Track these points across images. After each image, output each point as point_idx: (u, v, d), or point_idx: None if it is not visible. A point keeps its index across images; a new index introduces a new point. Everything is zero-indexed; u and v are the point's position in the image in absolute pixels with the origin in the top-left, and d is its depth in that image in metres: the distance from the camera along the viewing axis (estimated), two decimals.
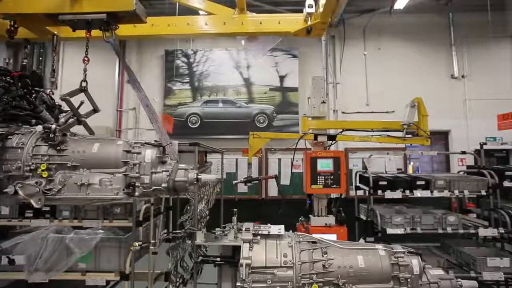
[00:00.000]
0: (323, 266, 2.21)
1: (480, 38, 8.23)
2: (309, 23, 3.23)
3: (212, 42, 8.45)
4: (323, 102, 4.66)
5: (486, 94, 8.04)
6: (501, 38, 8.20)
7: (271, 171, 7.87)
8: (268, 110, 8.25)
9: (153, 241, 3.42)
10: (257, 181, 4.69)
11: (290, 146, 4.58)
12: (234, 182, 4.53)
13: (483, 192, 4.50)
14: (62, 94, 2.21)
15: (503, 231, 4.30)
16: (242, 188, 6.97)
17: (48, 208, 3.94)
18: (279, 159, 8.01)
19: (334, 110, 8.20)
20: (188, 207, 3.26)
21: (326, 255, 2.26)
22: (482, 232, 4.30)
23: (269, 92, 8.34)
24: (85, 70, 2.35)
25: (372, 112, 8.09)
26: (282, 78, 8.33)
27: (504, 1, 7.92)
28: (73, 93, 2.34)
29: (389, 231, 4.29)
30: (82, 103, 2.43)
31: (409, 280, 2.18)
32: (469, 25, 8.26)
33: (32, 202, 1.89)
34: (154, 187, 2.00)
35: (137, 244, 3.20)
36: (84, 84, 2.36)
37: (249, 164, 4.50)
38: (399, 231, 4.29)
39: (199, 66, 8.49)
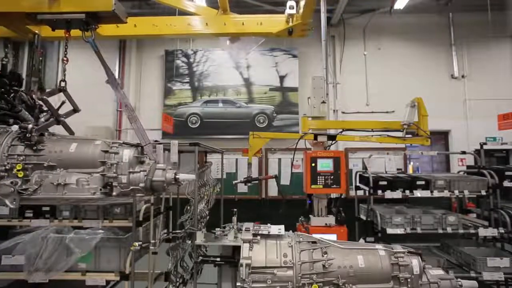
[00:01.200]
0: (323, 266, 2.21)
1: (480, 38, 8.23)
2: (290, 24, 3.25)
3: (212, 42, 8.45)
4: (323, 102, 4.67)
5: (486, 94, 8.04)
6: (501, 38, 8.20)
7: (271, 171, 7.87)
8: (268, 110, 8.25)
9: (153, 241, 3.42)
10: (257, 181, 4.69)
11: (290, 146, 4.58)
12: (234, 182, 4.54)
13: (483, 192, 4.50)
14: (39, 94, 2.21)
15: (503, 231, 4.30)
16: (242, 188, 6.97)
17: (48, 208, 3.94)
18: (279, 159, 8.01)
19: (334, 110, 8.20)
20: (188, 207, 3.26)
21: (326, 255, 2.26)
22: (482, 232, 4.30)
23: (269, 92, 8.34)
24: (64, 70, 2.34)
25: (372, 112, 8.09)
26: (282, 78, 8.33)
27: (504, 1, 7.92)
28: (51, 93, 2.34)
29: (389, 231, 4.28)
30: (63, 103, 2.43)
31: (409, 280, 2.18)
32: (469, 25, 8.26)
33: (7, 202, 1.89)
34: (131, 187, 2.01)
35: (137, 244, 3.20)
36: (63, 84, 2.35)
37: (249, 164, 4.50)
38: (399, 231, 4.29)
39: (199, 66, 8.48)
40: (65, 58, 2.36)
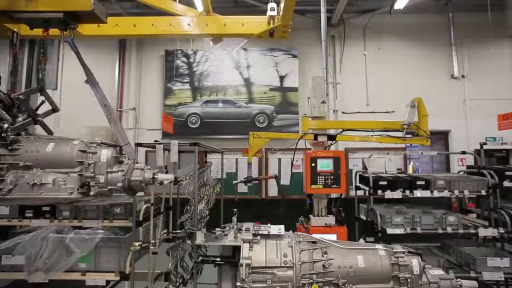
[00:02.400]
0: (323, 266, 2.21)
1: (480, 38, 8.23)
2: (271, 25, 3.28)
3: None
4: (323, 102, 4.66)
5: (486, 94, 8.04)
6: (501, 38, 8.20)
7: (271, 171, 7.87)
8: (268, 110, 8.25)
9: (153, 241, 3.42)
10: (257, 181, 4.69)
11: (290, 146, 4.58)
12: (234, 182, 4.54)
13: (483, 192, 4.50)
14: (16, 93, 2.20)
15: (503, 231, 4.30)
16: (242, 188, 6.98)
17: (48, 208, 3.94)
18: (279, 159, 8.00)
19: (334, 110, 8.20)
20: (188, 207, 3.26)
21: (326, 255, 2.26)
22: (482, 232, 4.30)
23: (269, 92, 8.34)
24: (43, 70, 2.34)
25: (372, 112, 8.09)
26: (282, 78, 8.33)
27: (504, 1, 7.92)
28: (29, 92, 2.34)
29: (389, 231, 4.28)
30: (42, 102, 2.42)
31: (409, 280, 2.18)
32: (469, 25, 8.26)
33: None
34: (109, 187, 2.02)
35: (137, 244, 3.20)
36: (42, 83, 2.34)
37: (249, 164, 4.50)
38: (399, 231, 4.29)
39: (199, 66, 8.48)
40: (42, 57, 2.36)
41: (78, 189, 1.99)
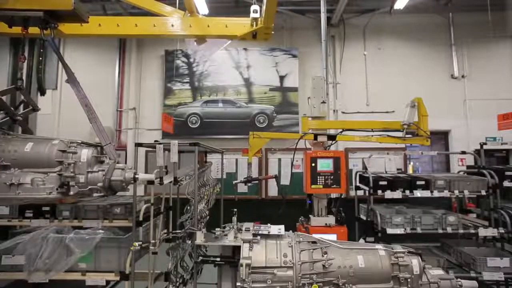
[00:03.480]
0: (323, 266, 2.21)
1: (480, 38, 8.23)
2: (254, 27, 3.32)
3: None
4: (323, 102, 4.66)
5: (486, 94, 8.04)
6: (501, 38, 8.20)
7: (271, 171, 7.87)
8: (268, 110, 8.25)
9: (153, 241, 3.41)
10: (257, 181, 4.69)
11: (290, 146, 4.58)
12: (234, 182, 4.54)
13: (483, 192, 4.50)
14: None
15: (503, 231, 4.30)
16: (242, 188, 6.96)
17: (48, 208, 3.94)
18: (279, 159, 8.01)
19: (334, 110, 8.20)
20: (188, 207, 3.26)
21: (326, 255, 2.26)
22: (482, 232, 4.30)
23: (269, 92, 8.34)
24: (21, 69, 2.32)
25: (372, 112, 8.09)
26: (282, 78, 8.33)
27: (504, 1, 7.91)
28: (5, 92, 2.32)
29: (389, 231, 4.28)
30: (21, 102, 2.41)
31: (409, 280, 2.19)
32: (469, 25, 8.26)
33: None
34: (90, 187, 2.02)
35: (137, 244, 3.20)
36: (19, 82, 2.33)
37: (249, 164, 4.50)
38: (399, 231, 4.29)
39: (199, 66, 8.48)
40: (21, 56, 2.34)
41: (57, 189, 1.98)
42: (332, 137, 4.40)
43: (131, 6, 7.92)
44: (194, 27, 3.40)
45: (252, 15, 3.20)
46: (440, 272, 2.32)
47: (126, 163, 8.25)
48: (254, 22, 3.28)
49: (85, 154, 2.05)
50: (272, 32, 3.37)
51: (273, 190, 7.89)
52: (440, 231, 4.32)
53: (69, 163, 2.01)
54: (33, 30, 2.27)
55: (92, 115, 2.30)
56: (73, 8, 2.12)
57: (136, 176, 2.08)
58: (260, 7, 3.19)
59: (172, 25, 3.39)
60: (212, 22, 3.43)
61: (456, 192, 4.48)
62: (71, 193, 2.00)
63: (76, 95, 2.34)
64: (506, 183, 4.62)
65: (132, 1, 3.52)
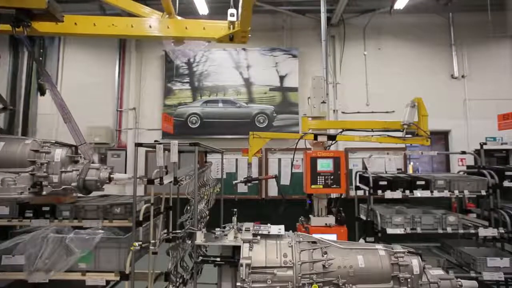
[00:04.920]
0: (323, 266, 2.21)
1: (480, 38, 8.23)
2: (231, 30, 3.36)
3: (212, 42, 8.46)
4: (323, 102, 4.67)
5: (486, 94, 8.04)
6: (501, 38, 8.20)
7: (271, 171, 7.88)
8: (268, 110, 8.25)
9: (153, 241, 3.41)
10: (257, 181, 4.69)
11: (290, 146, 4.58)
12: (234, 182, 4.54)
13: (483, 192, 4.50)
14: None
15: (503, 231, 4.30)
16: (242, 188, 6.96)
17: (48, 208, 3.93)
18: (279, 159, 8.01)
19: (334, 110, 8.21)
20: (188, 207, 3.26)
21: (326, 255, 2.26)
22: (482, 232, 4.30)
23: (269, 92, 8.34)
24: None
25: (372, 112, 8.10)
26: (282, 78, 8.33)
27: (504, 1, 7.92)
28: None
29: (389, 231, 4.28)
30: None
31: (409, 280, 2.19)
32: (469, 25, 8.26)
33: None
34: (63, 186, 2.01)
35: (137, 244, 3.20)
36: None
37: (249, 164, 4.50)
38: (399, 231, 4.29)
39: (199, 66, 8.49)
40: None
41: (29, 189, 1.98)
42: (332, 137, 4.40)
43: None
44: (172, 29, 3.43)
45: (229, 18, 3.26)
46: (440, 272, 2.32)
47: (126, 163, 8.26)
48: (231, 25, 3.33)
49: (59, 154, 2.05)
50: (249, 36, 3.43)
51: (273, 190, 7.89)
52: (440, 231, 4.32)
53: (42, 163, 2.01)
54: (4, 27, 2.24)
55: (67, 115, 2.30)
56: (47, 7, 2.11)
57: (112, 176, 2.08)
58: (237, 10, 3.24)
59: (150, 26, 3.41)
60: (190, 24, 3.46)
61: (456, 192, 4.48)
62: (44, 193, 2.00)
63: (51, 95, 2.35)
64: (506, 183, 4.62)
65: (110, 1, 3.51)
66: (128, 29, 3.36)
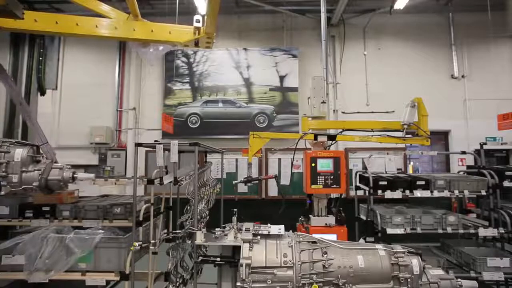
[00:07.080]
0: (323, 266, 2.21)
1: (480, 38, 8.23)
2: (196, 36, 3.43)
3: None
4: (323, 102, 4.66)
5: (486, 94, 8.04)
6: (501, 38, 8.20)
7: (271, 171, 7.88)
8: (268, 110, 8.26)
9: (153, 241, 3.41)
10: (257, 181, 4.68)
11: (290, 146, 4.58)
12: (234, 182, 4.54)
13: (483, 192, 4.50)
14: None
15: (503, 231, 4.30)
16: (242, 188, 6.98)
17: (48, 208, 3.94)
18: (279, 159, 8.01)
19: (334, 110, 8.21)
20: (188, 207, 3.26)
21: (326, 255, 2.26)
22: (482, 232, 4.30)
23: (269, 92, 8.34)
24: None
25: (372, 112, 8.10)
26: (282, 78, 8.33)
27: (504, 1, 7.92)
28: None
29: (389, 231, 4.28)
30: None
31: (409, 280, 2.18)
32: (469, 25, 8.26)
33: None
34: (24, 186, 2.01)
35: (137, 244, 3.20)
36: None
37: (249, 164, 4.50)
38: (399, 231, 4.29)
39: (199, 66, 8.49)
40: None
41: None
42: (332, 137, 4.40)
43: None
44: (138, 31, 3.45)
45: (195, 24, 3.33)
46: (440, 272, 2.32)
47: (126, 163, 8.26)
48: (197, 31, 3.41)
49: (19, 153, 2.04)
50: (214, 41, 3.53)
51: (273, 190, 7.89)
52: (440, 231, 4.32)
53: (0, 163, 1.99)
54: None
55: (27, 114, 2.29)
56: (6, 3, 2.10)
57: (75, 175, 2.08)
58: (203, 17, 3.30)
59: (116, 28, 3.43)
60: (156, 28, 3.49)
61: (456, 192, 4.48)
62: (2, 193, 2.00)
63: (10, 93, 2.33)
64: (506, 183, 4.62)
65: (79, 2, 3.50)
66: (93, 29, 3.39)
